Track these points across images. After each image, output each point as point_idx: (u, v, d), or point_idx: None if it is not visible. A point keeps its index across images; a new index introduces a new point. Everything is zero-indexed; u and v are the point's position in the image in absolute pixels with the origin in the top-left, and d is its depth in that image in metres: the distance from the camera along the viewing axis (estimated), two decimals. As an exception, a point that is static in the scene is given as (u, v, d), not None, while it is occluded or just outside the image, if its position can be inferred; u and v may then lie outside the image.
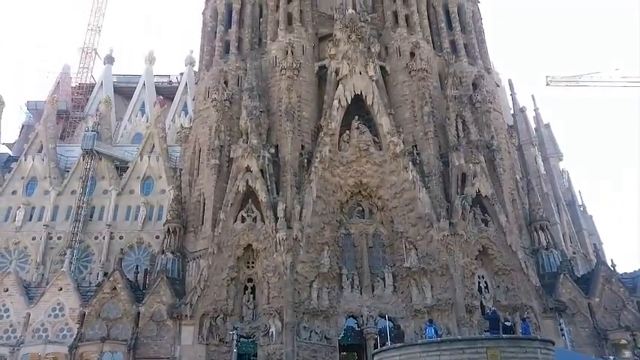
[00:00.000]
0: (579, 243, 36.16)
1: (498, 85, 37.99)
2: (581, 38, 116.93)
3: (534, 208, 28.81)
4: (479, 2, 36.52)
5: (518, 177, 30.52)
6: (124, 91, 47.18)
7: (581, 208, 39.84)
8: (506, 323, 22.26)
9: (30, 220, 33.35)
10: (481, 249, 25.74)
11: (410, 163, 26.83)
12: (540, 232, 28.02)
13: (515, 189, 29.38)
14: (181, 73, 48.03)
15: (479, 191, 26.49)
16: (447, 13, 34.74)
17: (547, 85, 54.41)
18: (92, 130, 35.82)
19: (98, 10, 51.22)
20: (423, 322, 23.86)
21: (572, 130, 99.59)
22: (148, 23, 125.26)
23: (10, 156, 38.19)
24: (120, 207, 33.89)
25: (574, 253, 33.48)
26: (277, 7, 33.07)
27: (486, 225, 26.13)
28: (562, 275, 25.74)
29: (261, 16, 34.27)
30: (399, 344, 18.61)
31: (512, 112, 39.67)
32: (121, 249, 32.31)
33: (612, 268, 26.61)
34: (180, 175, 30.29)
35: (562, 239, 32.38)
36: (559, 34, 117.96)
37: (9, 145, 40.27)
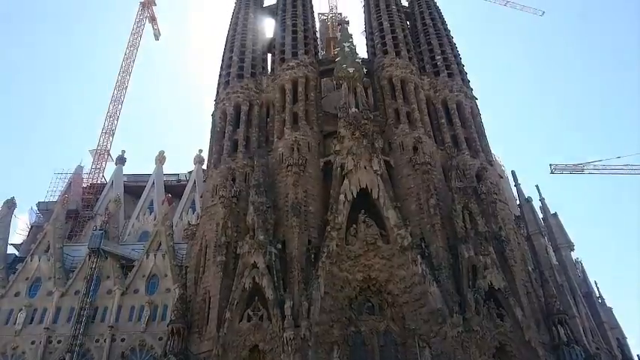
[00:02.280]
0: (601, 337, 34.36)
1: (502, 177, 38.48)
2: (580, 125, 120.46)
3: (550, 301, 27.77)
4: (476, 99, 38.16)
5: (530, 268, 29.82)
6: (133, 190, 48.07)
7: (600, 300, 38.34)
8: None
9: (31, 322, 32.33)
10: (498, 346, 24.42)
11: (418, 256, 26.44)
12: (559, 326, 26.74)
13: (528, 281, 28.58)
14: (190, 172, 49.21)
15: (491, 284, 25.78)
16: (447, 109, 36.21)
17: (551, 173, 55.28)
18: (100, 229, 35.96)
19: (113, 115, 53.95)
20: None
21: (580, 217, 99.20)
22: (160, 124, 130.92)
23: (17, 256, 38.07)
24: (123, 307, 32.98)
25: (597, 348, 31.68)
26: (283, 107, 34.68)
27: (502, 320, 25.08)
28: (588, 374, 24.18)
29: (268, 116, 35.86)
30: None
31: (517, 202, 39.71)
32: (123, 352, 30.92)
33: (640, 365, 25.05)
34: (185, 273, 29.85)
35: (582, 334, 30.81)
36: (559, 122, 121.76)
37: (16, 246, 40.34)
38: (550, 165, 55.12)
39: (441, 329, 24.45)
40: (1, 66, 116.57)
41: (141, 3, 65.75)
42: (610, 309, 38.78)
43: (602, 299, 38.94)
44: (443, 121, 35.38)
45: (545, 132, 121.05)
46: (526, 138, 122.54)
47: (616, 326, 37.59)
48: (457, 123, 35.34)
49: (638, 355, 26.28)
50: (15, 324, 32.10)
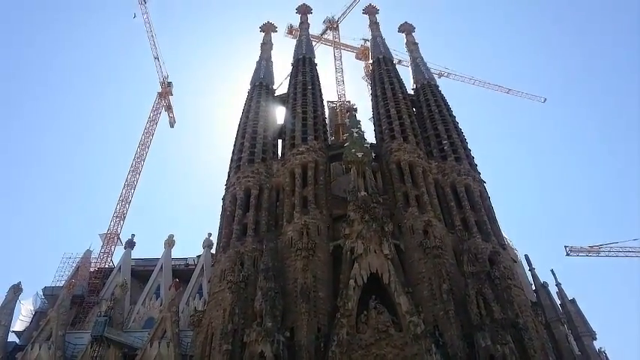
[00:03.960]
0: None
1: (515, 261, 37.67)
2: (594, 208, 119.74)
3: (576, 395, 26.06)
4: (485, 182, 38.32)
5: (551, 359, 28.26)
6: (140, 275, 47.48)
7: (628, 394, 35.93)
8: None
9: (23, 421, 30.75)
10: None
11: (432, 345, 25.17)
12: None
13: (551, 373, 27.00)
14: (199, 256, 48.80)
15: (511, 376, 24.28)
16: (456, 192, 36.28)
17: (567, 255, 54.21)
18: (104, 315, 35.09)
19: (125, 199, 54.72)
20: None
21: (598, 302, 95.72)
22: (170, 207, 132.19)
23: (17, 345, 36.94)
24: (123, 401, 31.40)
25: None
26: (293, 191, 34.97)
27: (526, 417, 23.38)
28: None
29: (277, 200, 36.07)
30: None
31: (533, 287, 38.55)
32: None
33: None
34: (190, 363, 28.61)
35: None
36: (573, 205, 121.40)
37: (18, 333, 39.28)
38: (565, 247, 54.29)
39: None
40: (14, 147, 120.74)
41: (158, 93, 69.06)
42: (640, 404, 36.20)
43: (631, 393, 36.47)
44: (452, 204, 35.33)
45: (559, 214, 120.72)
46: (540, 220, 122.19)
47: (649, 423, 34.89)
48: (466, 206, 35.25)
49: None
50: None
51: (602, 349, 38.97)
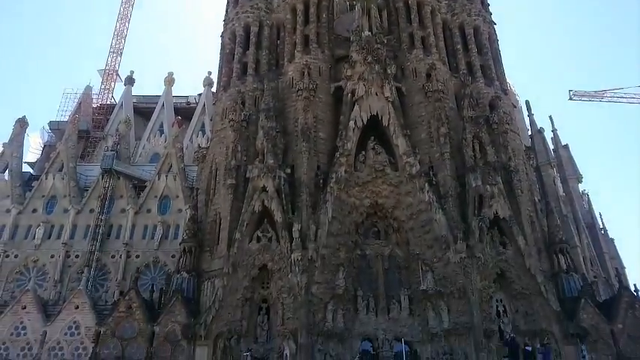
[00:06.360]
0: (600, 267, 35.33)
1: (515, 106, 37.82)
2: (599, 52, 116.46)
3: (553, 231, 28.28)
4: (495, 24, 36.60)
5: (536, 199, 30.07)
6: (143, 112, 48.08)
7: (602, 231, 39.03)
8: (527, 348, 21.99)
9: (49, 238, 33.79)
10: (499, 272, 25.23)
11: (426, 184, 26.64)
12: (560, 255, 27.44)
13: (533, 211, 28.92)
14: (199, 94, 48.84)
15: (496, 213, 26.08)
16: (463, 34, 34.85)
17: (570, 99, 53.96)
18: (112, 150, 36.47)
19: (120, 34, 52.77)
20: (439, 347, 23.52)
21: (591, 149, 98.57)
22: (168, 45, 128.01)
23: (32, 175, 38.93)
24: (137, 226, 34.20)
25: (595, 277, 32.70)
26: (294, 29, 33.55)
27: (504, 248, 25.71)
28: (583, 300, 25.04)
29: (278, 38, 34.80)
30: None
31: (529, 133, 39.34)
32: (137, 268, 32.53)
33: (635, 294, 25.88)
34: (196, 195, 30.46)
35: (582, 263, 31.68)
36: (577, 49, 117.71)
37: (31, 164, 41.10)
38: (569, 91, 53.60)
39: (444, 255, 25.18)
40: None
41: None
42: (612, 240, 39.58)
43: (605, 230, 39.58)
44: (459, 47, 34.16)
45: (565, 59, 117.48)
46: (546, 64, 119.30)
47: (616, 257, 38.55)
48: (473, 49, 34.16)
49: (634, 284, 26.89)
50: (34, 239, 33.54)
51: (585, 191, 41.42)
